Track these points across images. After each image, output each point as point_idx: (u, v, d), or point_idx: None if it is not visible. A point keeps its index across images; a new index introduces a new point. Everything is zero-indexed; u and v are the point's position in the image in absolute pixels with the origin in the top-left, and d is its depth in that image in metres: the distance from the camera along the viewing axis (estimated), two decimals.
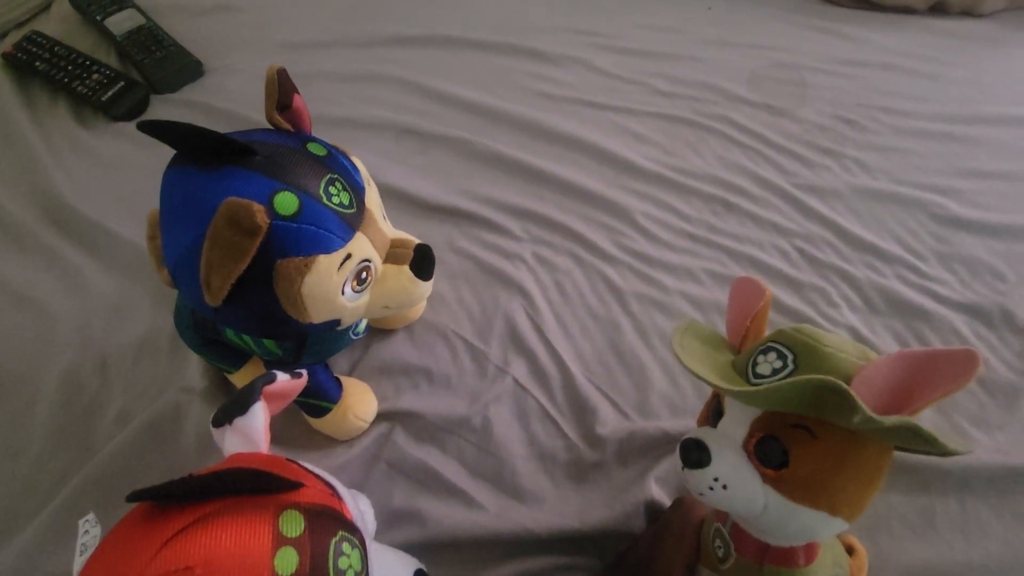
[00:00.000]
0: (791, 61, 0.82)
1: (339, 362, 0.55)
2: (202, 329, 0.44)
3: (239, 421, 0.28)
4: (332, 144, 0.37)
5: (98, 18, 0.84)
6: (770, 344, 0.29)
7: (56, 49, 0.80)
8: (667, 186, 0.68)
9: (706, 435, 0.29)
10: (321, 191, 0.32)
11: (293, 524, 0.23)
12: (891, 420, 0.23)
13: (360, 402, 0.50)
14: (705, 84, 0.78)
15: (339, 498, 0.26)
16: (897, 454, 0.49)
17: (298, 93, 0.36)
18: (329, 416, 0.49)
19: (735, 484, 0.28)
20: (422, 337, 0.57)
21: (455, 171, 0.70)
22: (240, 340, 0.42)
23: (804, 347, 0.27)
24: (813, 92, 0.77)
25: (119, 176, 0.70)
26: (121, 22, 0.84)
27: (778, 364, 0.28)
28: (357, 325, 0.46)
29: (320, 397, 0.48)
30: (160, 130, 0.30)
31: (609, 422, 0.51)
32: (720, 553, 0.34)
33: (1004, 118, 0.74)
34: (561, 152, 0.72)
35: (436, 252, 0.65)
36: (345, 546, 0.24)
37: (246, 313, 0.33)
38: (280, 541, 0.22)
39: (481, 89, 0.78)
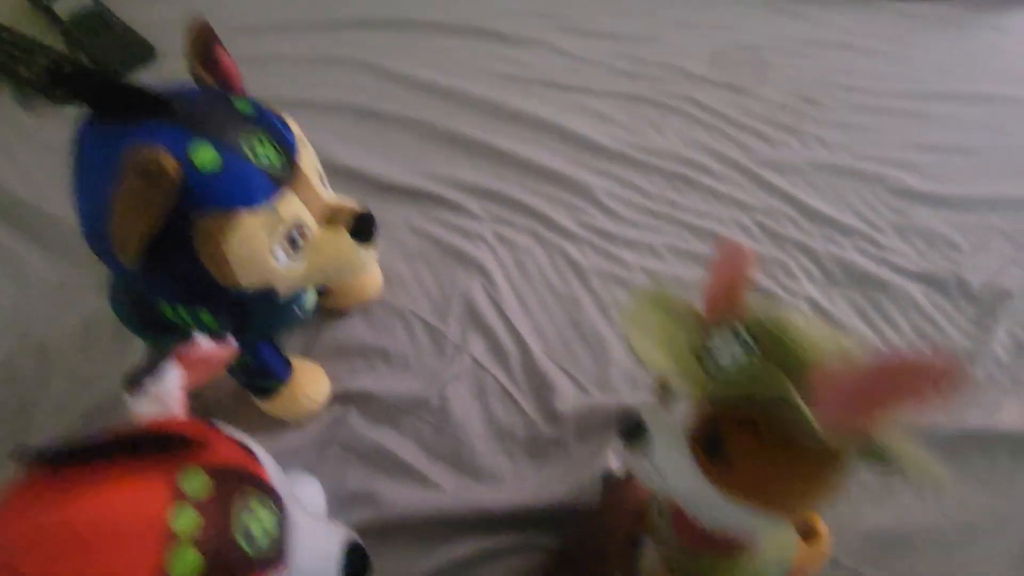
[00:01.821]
0: (753, 42, 0.82)
1: (292, 344, 0.53)
2: (139, 307, 0.42)
3: (150, 384, 0.26)
4: (264, 105, 0.35)
5: (45, 1, 0.81)
6: (735, 329, 0.26)
7: (1, 33, 0.77)
8: (629, 164, 0.67)
9: (650, 413, 0.28)
10: (244, 146, 0.31)
11: (195, 483, 0.22)
12: (840, 439, 0.21)
13: (311, 383, 0.49)
14: (668, 65, 0.78)
15: (256, 461, 0.25)
16: None
17: (224, 49, 0.34)
18: (278, 397, 0.47)
19: (671, 473, 0.26)
20: (379, 318, 0.56)
21: (414, 152, 0.69)
22: (176, 315, 0.40)
23: (770, 339, 0.25)
24: (774, 72, 0.78)
25: (63, 161, 0.67)
26: (69, 5, 0.81)
27: (739, 353, 0.25)
28: (303, 300, 0.44)
29: (267, 377, 0.46)
30: (70, 83, 0.28)
31: (568, 398, 0.51)
32: (661, 531, 0.33)
33: (960, 95, 0.75)
34: (523, 132, 0.71)
35: (394, 233, 0.65)
36: (257, 507, 0.23)
37: (170, 278, 0.32)
38: (179, 499, 0.21)
39: (442, 71, 0.77)
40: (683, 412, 0.27)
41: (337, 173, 0.66)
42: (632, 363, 0.53)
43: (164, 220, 0.28)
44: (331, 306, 0.55)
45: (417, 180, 0.65)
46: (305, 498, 0.44)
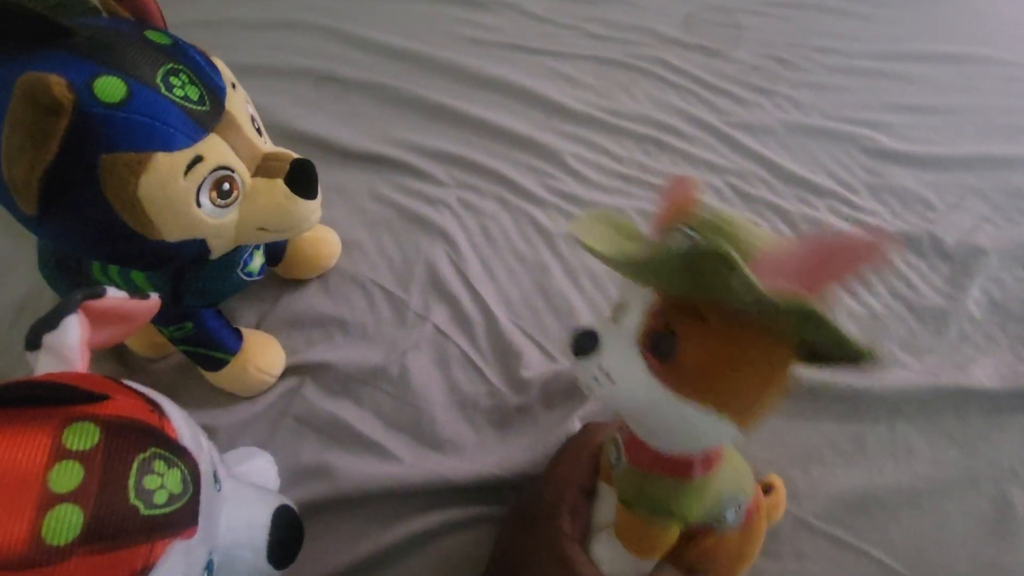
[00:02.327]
0: (725, 3, 0.80)
1: (245, 315, 0.51)
2: (66, 269, 0.39)
3: (49, 338, 0.24)
4: (189, 43, 0.32)
5: None
6: (678, 228, 0.26)
7: None
8: (599, 128, 0.65)
9: (601, 326, 0.27)
10: (159, 79, 0.28)
11: (82, 437, 0.19)
12: (783, 298, 0.21)
13: (262, 353, 0.46)
14: (639, 27, 0.76)
15: (162, 415, 0.22)
16: (828, 381, 0.48)
17: None
18: (227, 369, 0.44)
19: (621, 375, 0.25)
20: (337, 287, 0.53)
21: (376, 118, 0.66)
22: (105, 276, 0.37)
23: (710, 227, 0.25)
24: (747, 33, 0.76)
25: None
26: None
27: (682, 241, 0.25)
28: (248, 263, 0.42)
29: (213, 348, 0.44)
30: None
31: (534, 365, 0.49)
32: (612, 459, 0.32)
33: (932, 55, 0.74)
34: (489, 97, 0.68)
35: (356, 201, 0.62)
36: (157, 464, 0.20)
37: (80, 225, 0.29)
38: (61, 454, 0.19)
39: (405, 35, 0.73)
40: (635, 321, 0.26)
41: (296, 140, 0.63)
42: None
43: (66, 159, 0.25)
44: (287, 276, 0.53)
45: (379, 146, 0.63)
46: (256, 473, 0.42)
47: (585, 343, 0.26)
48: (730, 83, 0.70)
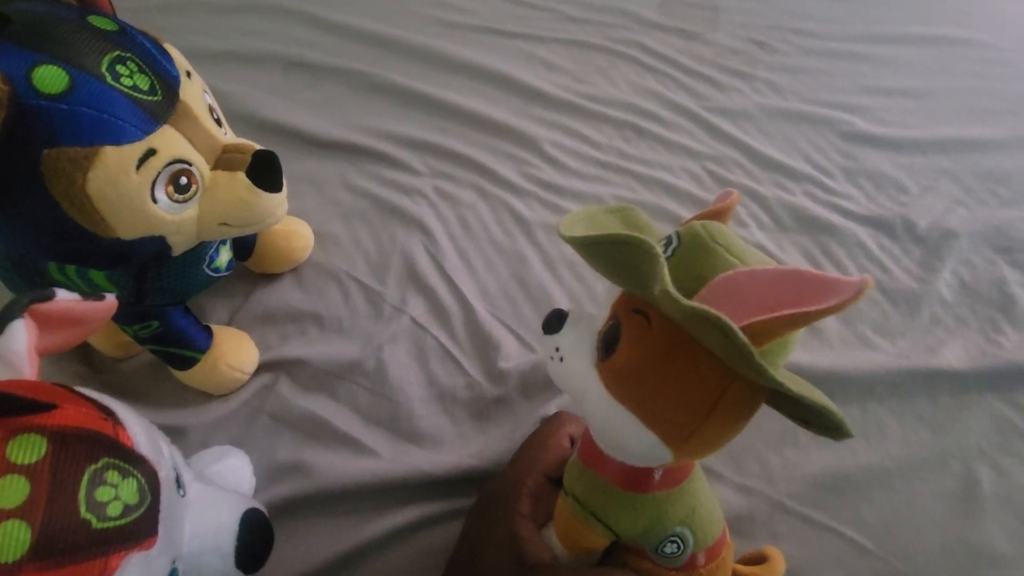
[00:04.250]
0: None
1: (216, 311, 0.50)
2: (23, 269, 0.38)
3: None
4: (138, 29, 0.30)
5: None
6: (671, 233, 0.25)
7: None
8: (577, 113, 0.64)
9: (577, 311, 0.28)
10: (104, 68, 0.26)
11: (28, 449, 0.18)
12: (687, 303, 0.19)
13: (234, 350, 0.45)
14: (617, 9, 0.75)
15: (117, 423, 0.22)
16: (801, 364, 0.49)
17: None
18: (197, 368, 0.43)
19: (570, 359, 0.26)
20: (311, 280, 0.52)
21: (349, 105, 0.64)
22: (64, 276, 0.36)
23: (693, 238, 0.23)
24: (724, 16, 0.75)
25: None
26: None
27: (661, 249, 0.24)
28: (215, 259, 0.40)
29: (182, 346, 0.42)
30: None
31: (512, 356, 0.48)
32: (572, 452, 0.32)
33: (909, 37, 0.74)
34: (465, 82, 0.67)
35: (329, 192, 0.61)
36: (111, 474, 0.20)
37: (27, 225, 0.27)
38: (5, 468, 0.18)
39: (377, 18, 0.71)
40: (599, 312, 0.27)
41: (266, 129, 0.61)
42: None
43: (5, 156, 0.24)
44: (259, 270, 0.51)
45: (352, 134, 0.61)
46: (231, 472, 0.42)
47: (552, 321, 0.27)
48: (708, 67, 0.69)
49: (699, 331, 0.21)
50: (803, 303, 0.19)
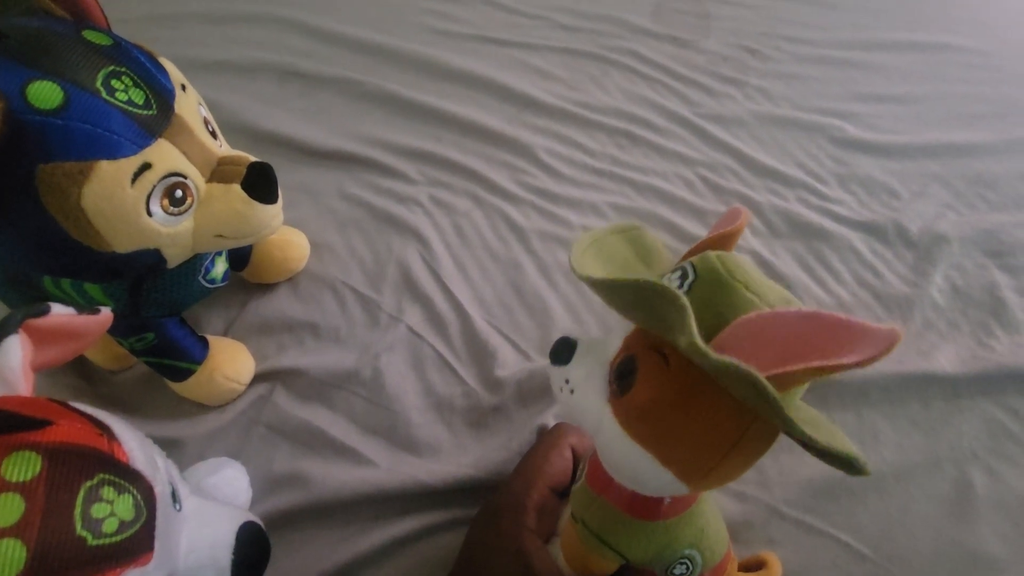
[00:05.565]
0: None
1: (212, 322, 0.50)
2: (18, 284, 0.37)
3: None
4: (133, 43, 0.31)
5: None
6: (684, 263, 0.24)
7: None
8: (571, 121, 0.65)
9: (586, 340, 0.27)
10: (99, 83, 0.26)
11: (23, 467, 0.18)
12: (717, 356, 0.18)
13: (230, 361, 0.45)
14: (609, 17, 0.75)
15: (112, 439, 0.22)
16: None
17: None
18: (193, 379, 0.43)
19: (581, 392, 0.25)
20: (307, 290, 0.52)
21: (344, 114, 0.64)
22: (59, 290, 0.36)
23: (709, 273, 0.23)
24: (717, 23, 0.76)
25: None
26: None
27: (676, 283, 0.23)
28: (210, 270, 0.41)
29: (178, 357, 0.42)
30: None
31: (509, 364, 0.48)
32: (579, 473, 0.32)
33: (899, 43, 0.75)
34: (460, 91, 0.67)
35: (324, 201, 0.61)
36: (106, 491, 0.20)
37: (22, 239, 0.27)
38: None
39: (371, 27, 0.72)
40: (615, 344, 0.26)
41: (260, 139, 0.61)
42: (575, 326, 0.51)
43: (0, 171, 0.24)
44: (255, 280, 0.51)
45: (347, 144, 0.61)
46: (227, 484, 0.41)
47: (561, 351, 0.26)
48: (701, 74, 0.70)
49: (727, 382, 0.20)
50: (828, 348, 0.18)
